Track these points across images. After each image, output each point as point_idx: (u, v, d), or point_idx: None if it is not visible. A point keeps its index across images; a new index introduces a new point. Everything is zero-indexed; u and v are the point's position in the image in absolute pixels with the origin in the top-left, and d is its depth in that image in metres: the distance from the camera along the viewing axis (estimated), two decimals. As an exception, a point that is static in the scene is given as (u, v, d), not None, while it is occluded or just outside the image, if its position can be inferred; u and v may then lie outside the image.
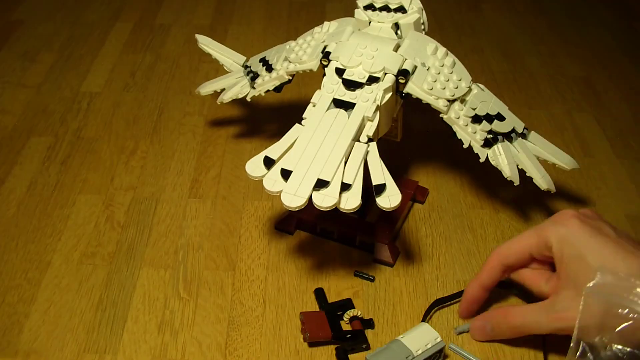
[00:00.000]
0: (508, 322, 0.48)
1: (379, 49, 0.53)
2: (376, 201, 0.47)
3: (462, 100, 0.54)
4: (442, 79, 0.53)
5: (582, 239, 0.44)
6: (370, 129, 0.50)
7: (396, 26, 0.56)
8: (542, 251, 0.47)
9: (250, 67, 0.67)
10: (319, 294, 0.53)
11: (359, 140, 0.50)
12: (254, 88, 0.64)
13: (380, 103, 0.51)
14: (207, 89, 0.70)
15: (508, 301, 0.54)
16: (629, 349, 0.40)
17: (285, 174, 0.47)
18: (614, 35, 0.95)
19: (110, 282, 0.56)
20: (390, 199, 0.46)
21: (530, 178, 0.56)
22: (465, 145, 0.55)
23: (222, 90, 0.69)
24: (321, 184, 0.46)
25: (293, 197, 0.46)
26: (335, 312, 0.51)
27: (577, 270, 0.44)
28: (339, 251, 0.59)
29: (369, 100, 0.51)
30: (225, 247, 0.59)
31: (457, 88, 0.54)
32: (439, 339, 0.47)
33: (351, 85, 0.52)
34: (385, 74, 0.52)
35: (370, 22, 0.57)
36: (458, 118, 0.54)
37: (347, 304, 0.53)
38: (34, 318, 0.53)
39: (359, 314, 0.51)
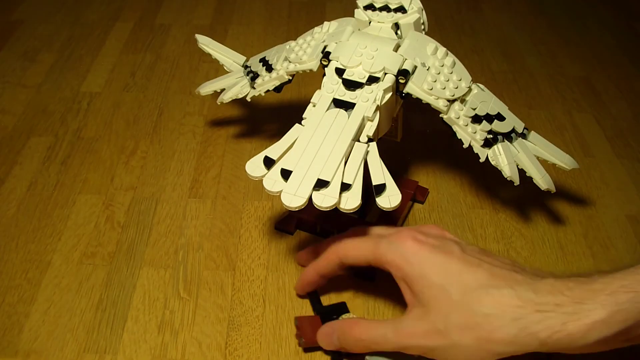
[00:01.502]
0: (354, 335, 0.45)
1: (379, 49, 0.53)
2: (376, 201, 0.47)
3: (462, 100, 0.54)
4: (442, 79, 0.53)
5: (421, 258, 0.43)
6: (370, 129, 0.50)
7: (396, 26, 0.56)
8: (380, 265, 0.46)
9: (250, 67, 0.67)
10: (313, 297, 0.53)
11: (359, 140, 0.50)
12: (254, 88, 0.64)
13: (380, 103, 0.51)
14: (207, 89, 0.70)
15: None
16: None
17: (285, 174, 0.47)
18: (614, 35, 0.95)
19: (110, 282, 0.56)
20: (390, 199, 0.46)
21: (530, 178, 0.56)
22: (465, 145, 0.55)
23: (222, 90, 0.69)
24: (321, 184, 0.46)
25: (293, 197, 0.46)
26: (330, 315, 0.51)
27: (421, 289, 0.43)
28: (339, 251, 0.59)
29: (369, 100, 0.51)
30: (225, 247, 0.59)
31: (457, 88, 0.54)
32: None
33: (351, 85, 0.52)
34: (385, 74, 0.52)
35: (370, 22, 0.57)
36: (458, 118, 0.54)
37: (342, 308, 0.52)
38: (34, 318, 0.53)
39: (353, 317, 0.51)
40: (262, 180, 0.48)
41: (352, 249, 0.48)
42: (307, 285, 0.52)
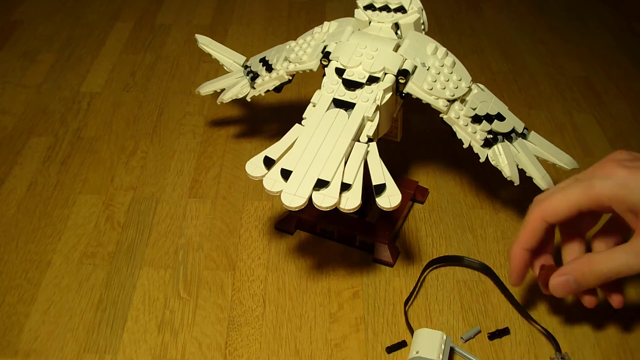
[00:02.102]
0: (594, 271, 0.44)
1: (379, 49, 0.53)
2: (376, 201, 0.47)
3: (462, 100, 0.54)
4: (442, 79, 0.53)
5: None
6: (370, 129, 0.50)
7: (396, 26, 0.56)
8: (594, 208, 0.44)
9: (250, 67, 0.67)
10: None
11: (359, 140, 0.50)
12: (254, 88, 0.64)
13: (380, 103, 0.51)
14: (207, 89, 0.70)
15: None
16: None
17: (285, 174, 0.47)
18: (614, 35, 0.95)
19: (110, 282, 0.56)
20: (390, 199, 0.46)
21: (530, 178, 0.56)
22: (465, 145, 0.55)
23: (222, 90, 0.69)
24: (321, 184, 0.46)
25: (293, 197, 0.46)
26: None
27: None
28: (339, 251, 0.59)
29: (369, 100, 0.51)
30: (225, 247, 0.59)
31: (457, 88, 0.54)
32: (444, 336, 0.48)
33: (351, 85, 0.52)
34: (385, 74, 0.52)
35: (370, 22, 0.57)
36: (458, 118, 0.54)
37: None
38: (34, 318, 0.53)
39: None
40: (262, 180, 0.48)
41: (559, 203, 0.45)
42: (521, 268, 0.48)
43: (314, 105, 0.52)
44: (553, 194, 0.46)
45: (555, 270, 0.47)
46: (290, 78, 0.61)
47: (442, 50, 0.55)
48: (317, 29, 0.60)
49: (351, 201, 0.46)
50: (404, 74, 0.52)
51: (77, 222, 0.62)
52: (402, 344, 0.50)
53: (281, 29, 0.95)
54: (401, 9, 0.56)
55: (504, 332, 0.51)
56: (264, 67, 0.63)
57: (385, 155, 0.50)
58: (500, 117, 0.56)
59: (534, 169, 0.56)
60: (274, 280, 0.56)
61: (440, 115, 0.54)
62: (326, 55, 0.54)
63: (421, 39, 0.55)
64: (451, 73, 0.54)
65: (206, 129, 0.74)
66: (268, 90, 0.63)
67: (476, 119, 0.55)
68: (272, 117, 0.77)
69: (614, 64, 0.88)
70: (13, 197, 0.65)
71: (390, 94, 0.52)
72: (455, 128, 0.55)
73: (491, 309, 0.54)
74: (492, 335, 0.51)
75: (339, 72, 0.53)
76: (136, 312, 0.53)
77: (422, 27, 0.57)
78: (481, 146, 0.55)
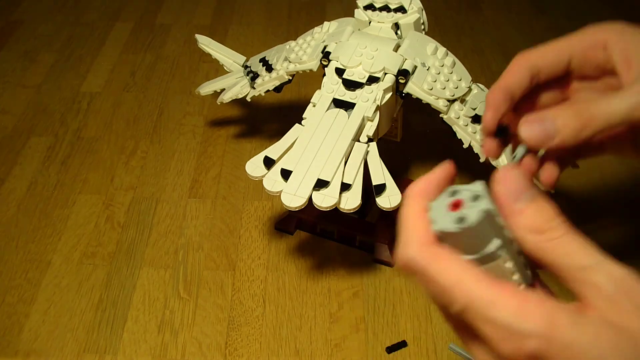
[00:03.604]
0: (597, 113, 0.33)
1: (379, 49, 0.53)
2: (376, 201, 0.47)
3: (462, 100, 0.54)
4: (442, 79, 0.53)
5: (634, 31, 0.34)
6: (370, 129, 0.50)
7: (396, 26, 0.56)
8: (592, 53, 0.36)
9: (250, 67, 0.67)
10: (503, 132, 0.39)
11: (359, 140, 0.50)
12: (254, 88, 0.64)
13: (380, 103, 0.51)
14: (207, 89, 0.70)
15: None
16: None
17: (285, 174, 0.47)
18: (614, 35, 0.95)
19: (110, 282, 0.56)
20: (390, 199, 0.46)
21: (530, 178, 0.56)
22: (465, 145, 0.55)
23: (222, 90, 0.69)
24: (321, 184, 0.46)
25: (293, 197, 0.46)
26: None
27: None
28: (339, 251, 0.59)
29: (369, 100, 0.51)
30: (225, 247, 0.59)
31: (457, 88, 0.54)
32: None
33: (351, 85, 0.52)
34: (385, 74, 0.52)
35: (370, 22, 0.57)
36: (458, 118, 0.54)
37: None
38: (34, 318, 0.53)
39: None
40: (262, 180, 0.48)
41: (547, 47, 0.37)
42: (497, 110, 0.37)
43: (314, 105, 0.52)
44: (542, 46, 0.37)
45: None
46: (290, 78, 0.61)
47: (442, 50, 0.55)
48: (317, 29, 0.60)
49: (351, 201, 0.46)
50: (404, 74, 0.52)
51: (77, 222, 0.62)
52: (402, 344, 0.50)
53: (281, 29, 0.95)
54: (401, 9, 0.56)
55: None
56: (264, 67, 0.63)
57: (385, 155, 0.50)
58: (500, 117, 0.56)
59: (534, 169, 0.56)
60: (274, 280, 0.56)
61: (440, 115, 0.54)
62: (326, 55, 0.54)
63: (421, 39, 0.55)
64: (451, 73, 0.54)
65: (206, 129, 0.74)
66: (268, 90, 0.63)
67: (476, 119, 0.54)
68: (272, 117, 0.77)
69: (614, 64, 0.88)
70: (13, 197, 0.65)
71: (390, 94, 0.52)
72: (455, 128, 0.55)
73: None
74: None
75: (339, 72, 0.53)
76: (136, 312, 0.53)
77: (422, 27, 0.57)
78: (481, 146, 0.55)
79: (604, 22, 0.36)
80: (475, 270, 0.25)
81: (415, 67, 0.53)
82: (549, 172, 0.40)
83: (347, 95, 0.52)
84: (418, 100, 0.53)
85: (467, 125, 0.54)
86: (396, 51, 0.53)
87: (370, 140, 0.50)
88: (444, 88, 0.53)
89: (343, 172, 0.47)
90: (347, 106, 0.51)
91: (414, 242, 0.27)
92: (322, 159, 0.48)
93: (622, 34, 0.35)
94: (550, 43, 0.37)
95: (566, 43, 0.37)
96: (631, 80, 0.34)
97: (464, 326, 0.27)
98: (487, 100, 0.37)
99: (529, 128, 0.33)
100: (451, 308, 0.26)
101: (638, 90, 0.33)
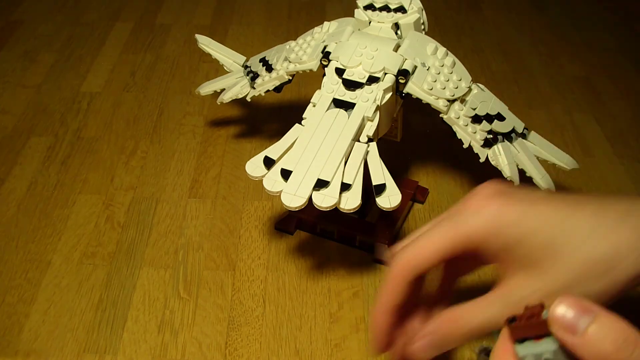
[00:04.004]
0: (461, 328, 0.37)
1: (379, 49, 0.53)
2: (376, 201, 0.47)
3: (462, 100, 0.54)
4: (442, 79, 0.53)
5: (517, 215, 0.36)
6: (370, 129, 0.50)
7: (396, 26, 0.56)
8: (463, 250, 0.37)
9: (250, 67, 0.67)
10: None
11: (359, 140, 0.50)
12: (254, 88, 0.64)
13: (380, 103, 0.51)
14: (207, 89, 0.70)
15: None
16: None
17: (285, 174, 0.47)
18: (614, 35, 0.95)
19: (110, 282, 0.56)
20: (390, 199, 0.46)
21: (530, 178, 0.56)
22: (465, 145, 0.55)
23: (222, 90, 0.69)
24: (321, 184, 0.46)
25: (293, 197, 0.46)
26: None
27: (527, 250, 0.35)
28: (339, 251, 0.59)
29: (369, 100, 0.51)
30: (225, 247, 0.59)
31: (457, 88, 0.54)
32: None
33: (351, 85, 0.52)
34: (385, 74, 0.52)
35: (370, 22, 0.57)
36: (458, 118, 0.54)
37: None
38: (34, 318, 0.53)
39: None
40: (262, 180, 0.48)
41: (422, 250, 0.37)
42: (385, 334, 0.40)
43: (314, 105, 0.52)
44: (415, 241, 0.38)
45: None
46: (290, 78, 0.61)
47: (442, 50, 0.55)
48: (317, 29, 0.60)
49: (351, 201, 0.46)
50: (404, 74, 0.52)
51: (77, 222, 0.62)
52: None
53: (281, 29, 0.95)
54: (401, 9, 0.56)
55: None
56: (264, 67, 0.63)
57: (385, 155, 0.50)
58: (500, 117, 0.56)
59: (534, 169, 0.56)
60: (274, 280, 0.56)
61: (440, 115, 0.54)
62: (326, 55, 0.54)
63: (421, 39, 0.55)
64: (451, 73, 0.54)
65: (206, 129, 0.74)
66: (268, 90, 0.63)
67: (476, 119, 0.55)
68: (272, 117, 0.77)
69: (614, 64, 0.88)
70: (13, 197, 0.65)
71: (390, 94, 0.52)
72: (455, 128, 0.55)
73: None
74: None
75: (339, 72, 0.53)
76: (136, 312, 0.53)
77: (422, 27, 0.57)
78: (481, 146, 0.55)
79: (474, 207, 0.37)
80: None
81: (415, 67, 0.53)
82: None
83: (347, 95, 0.52)
84: (418, 100, 0.53)
85: (467, 125, 0.54)
86: (396, 51, 0.54)
87: (370, 140, 0.50)
88: (444, 88, 0.53)
89: (343, 172, 0.47)
90: (347, 106, 0.51)
91: None
92: (322, 159, 0.48)
93: (497, 229, 0.36)
94: (425, 245, 0.38)
95: (441, 241, 0.37)
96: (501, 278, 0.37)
97: None
98: (373, 327, 0.40)
99: (419, 347, 0.38)
100: None
101: (502, 295, 0.36)
